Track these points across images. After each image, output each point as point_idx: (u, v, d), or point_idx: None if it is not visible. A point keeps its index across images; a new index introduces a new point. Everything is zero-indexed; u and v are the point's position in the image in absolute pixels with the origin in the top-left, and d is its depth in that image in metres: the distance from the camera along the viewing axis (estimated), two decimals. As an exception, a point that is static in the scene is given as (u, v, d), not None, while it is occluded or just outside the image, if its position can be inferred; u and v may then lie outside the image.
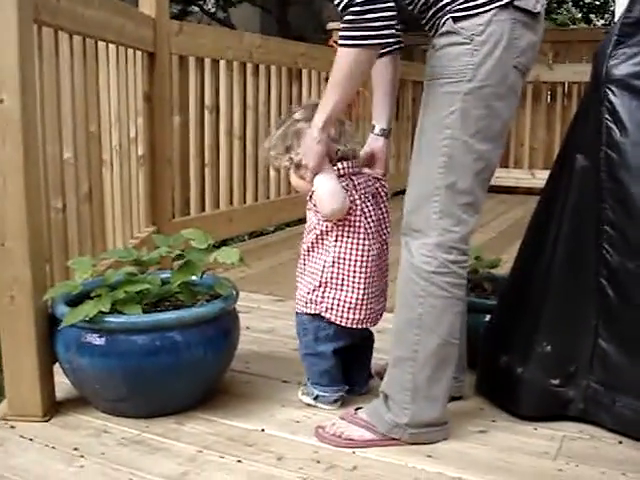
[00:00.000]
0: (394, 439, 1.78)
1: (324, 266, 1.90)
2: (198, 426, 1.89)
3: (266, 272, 3.59)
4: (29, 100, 1.83)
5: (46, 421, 1.89)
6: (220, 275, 2.26)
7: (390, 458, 1.73)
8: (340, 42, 1.68)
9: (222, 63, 3.98)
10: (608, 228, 1.77)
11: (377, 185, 1.98)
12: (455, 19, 1.65)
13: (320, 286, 1.90)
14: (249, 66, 4.24)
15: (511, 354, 1.93)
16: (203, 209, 3.98)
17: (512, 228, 4.69)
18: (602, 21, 11.19)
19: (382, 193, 1.98)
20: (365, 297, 1.88)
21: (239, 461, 1.71)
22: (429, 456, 1.74)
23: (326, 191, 1.85)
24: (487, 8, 1.62)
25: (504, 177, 6.51)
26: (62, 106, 2.38)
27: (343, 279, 1.89)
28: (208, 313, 1.91)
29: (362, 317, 1.90)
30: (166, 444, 1.79)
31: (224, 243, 4.23)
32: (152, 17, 3.36)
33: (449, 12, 1.65)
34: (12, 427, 1.86)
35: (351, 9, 1.62)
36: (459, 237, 1.70)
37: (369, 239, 1.89)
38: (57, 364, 1.95)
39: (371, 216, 1.91)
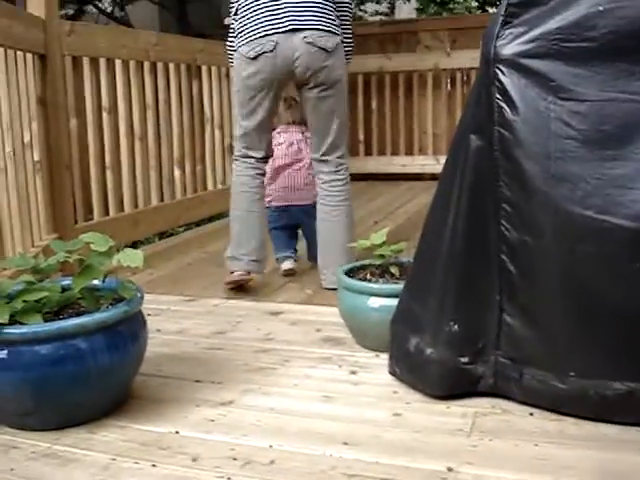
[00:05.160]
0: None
1: None
2: (110, 434, 1.84)
3: (175, 273, 3.53)
4: None
5: (-52, 441, 1.81)
6: (128, 278, 2.20)
7: (307, 449, 1.73)
8: None
9: (118, 63, 3.90)
10: (505, 205, 1.79)
11: (299, 136, 3.41)
12: None
13: None
14: (146, 65, 4.16)
15: (420, 336, 1.95)
16: (107, 213, 3.89)
17: (419, 214, 4.74)
18: (498, 10, 11.38)
19: (299, 139, 3.41)
20: (274, 186, 3.32)
21: (154, 465, 1.67)
22: (345, 443, 1.74)
23: None
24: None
25: (409, 164, 6.61)
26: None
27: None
28: (111, 317, 1.86)
29: (271, 199, 3.30)
30: (78, 455, 1.74)
31: (133, 246, 4.15)
32: (41, 18, 3.26)
33: None
34: None
35: None
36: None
37: (282, 157, 3.32)
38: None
39: (288, 147, 3.36)
